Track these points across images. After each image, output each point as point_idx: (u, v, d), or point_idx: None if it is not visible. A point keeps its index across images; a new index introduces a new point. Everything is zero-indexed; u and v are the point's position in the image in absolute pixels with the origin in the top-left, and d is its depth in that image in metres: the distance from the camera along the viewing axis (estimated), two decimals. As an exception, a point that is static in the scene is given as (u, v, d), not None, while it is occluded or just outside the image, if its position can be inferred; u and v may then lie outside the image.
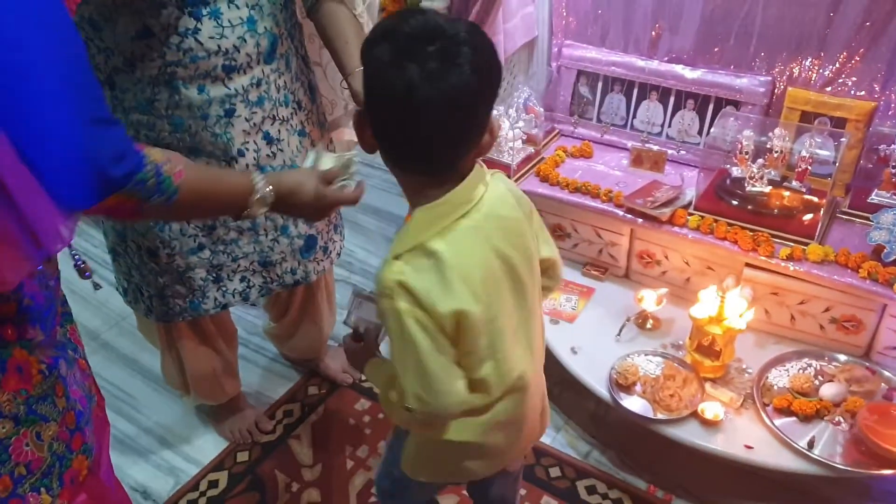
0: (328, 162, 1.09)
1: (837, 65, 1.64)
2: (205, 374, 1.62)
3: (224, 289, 1.40)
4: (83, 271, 0.90)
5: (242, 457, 1.70)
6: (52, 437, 0.81)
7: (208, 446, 1.74)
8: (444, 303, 0.82)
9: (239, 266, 1.40)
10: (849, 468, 1.32)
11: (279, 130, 1.32)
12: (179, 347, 1.56)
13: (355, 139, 0.97)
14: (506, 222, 0.89)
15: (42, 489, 0.81)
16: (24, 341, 0.79)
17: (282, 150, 1.34)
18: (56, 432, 0.82)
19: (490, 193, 0.87)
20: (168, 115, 1.20)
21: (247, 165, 1.29)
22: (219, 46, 1.16)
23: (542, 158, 1.91)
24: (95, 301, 2.16)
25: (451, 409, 0.90)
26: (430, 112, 0.77)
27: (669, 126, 1.89)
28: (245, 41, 1.19)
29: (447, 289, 0.82)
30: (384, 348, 1.00)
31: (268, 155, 1.31)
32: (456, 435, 0.96)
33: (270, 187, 0.97)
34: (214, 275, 1.38)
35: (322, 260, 1.54)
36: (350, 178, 1.08)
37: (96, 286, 0.95)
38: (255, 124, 1.27)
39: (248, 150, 1.28)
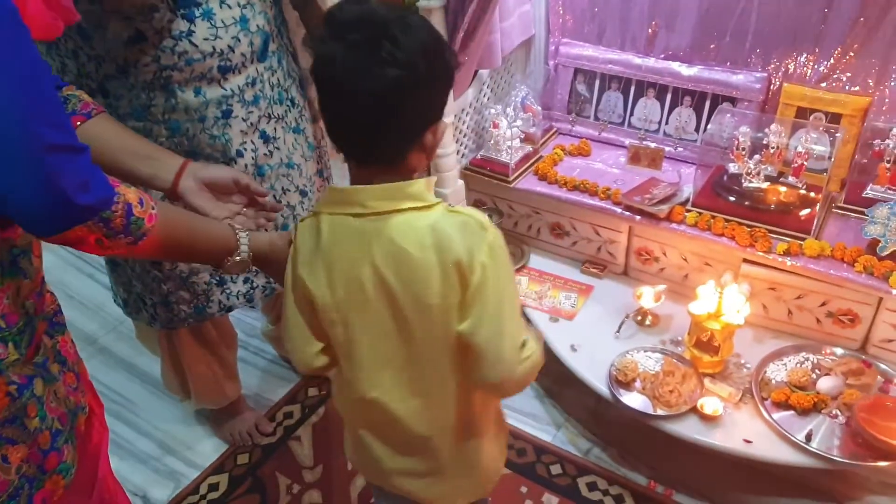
0: None
1: (832, 60, 1.69)
2: (206, 378, 1.66)
3: (228, 291, 1.44)
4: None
5: (243, 459, 1.74)
6: (21, 460, 0.80)
7: (208, 450, 1.78)
8: (300, 268, 0.90)
9: None
10: (845, 460, 1.37)
11: (275, 129, 1.36)
12: (181, 353, 1.60)
13: None
14: (398, 251, 0.84)
15: None
16: None
17: (278, 149, 1.38)
18: (26, 454, 0.80)
19: (402, 219, 0.84)
20: (165, 120, 1.22)
21: (245, 165, 1.33)
22: (213, 48, 1.19)
23: (541, 157, 1.96)
24: (93, 305, 2.20)
25: (297, 363, 0.99)
26: (340, 95, 0.81)
27: (667, 123, 1.94)
28: (239, 41, 1.22)
29: (310, 261, 0.89)
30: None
31: (265, 154, 1.35)
32: (335, 395, 1.05)
33: (249, 253, 0.98)
34: (218, 278, 1.42)
35: None
36: None
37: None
38: (251, 124, 1.31)
39: (246, 150, 1.32)
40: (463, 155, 1.94)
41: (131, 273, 1.42)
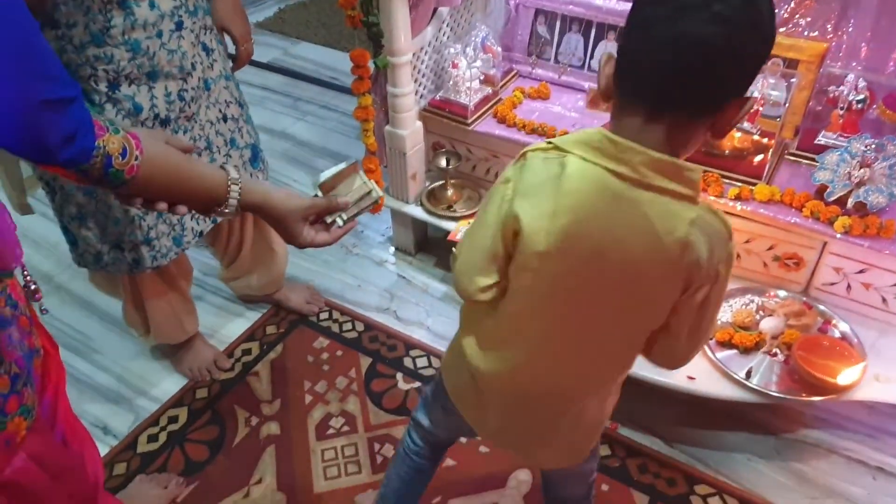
0: (348, 189, 1.01)
1: (793, 4, 1.63)
2: (166, 313, 1.62)
3: (197, 215, 1.42)
4: (34, 293, 0.88)
5: (202, 393, 1.71)
6: None
7: (167, 384, 1.74)
8: (517, 200, 0.78)
9: None
10: (782, 395, 1.38)
11: (211, 40, 1.36)
12: (142, 290, 1.56)
13: None
14: (647, 230, 0.75)
15: None
16: None
17: (216, 61, 1.37)
18: None
19: (666, 200, 0.74)
20: (125, 41, 1.18)
21: (198, 79, 1.32)
22: None
23: (500, 99, 1.89)
24: (47, 244, 2.12)
25: (459, 288, 0.88)
26: (662, 30, 0.70)
27: (627, 67, 1.88)
28: None
29: (537, 197, 0.77)
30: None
31: (208, 66, 1.35)
32: (463, 331, 0.96)
33: (237, 207, 0.92)
34: None
35: (264, 170, 1.60)
36: (347, 215, 1.00)
37: (42, 311, 0.94)
38: (196, 36, 1.30)
39: (196, 63, 1.31)
40: (421, 96, 1.86)
41: (105, 219, 1.37)
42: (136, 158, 0.81)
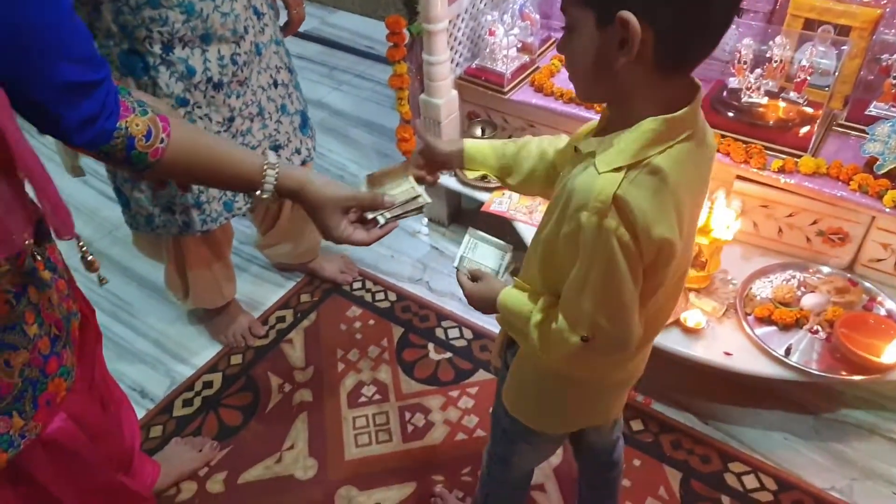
0: (396, 189, 0.95)
1: (846, -32, 1.54)
2: (206, 279, 1.63)
3: None
4: (91, 264, 0.87)
5: (236, 359, 1.72)
6: (23, 364, 0.80)
7: (202, 350, 1.75)
8: (656, 228, 0.72)
9: None
10: (822, 373, 1.33)
11: (261, 4, 1.34)
12: (186, 255, 1.56)
13: None
14: (713, 155, 0.81)
15: (14, 413, 0.81)
16: None
17: (267, 25, 1.35)
18: (28, 359, 0.81)
19: (704, 122, 0.78)
20: (180, 3, 1.18)
21: (250, 43, 1.31)
22: None
23: (538, 68, 1.83)
24: (87, 210, 2.14)
25: (629, 344, 0.78)
26: None
27: (668, 35, 1.80)
28: None
29: (663, 213, 0.73)
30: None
31: (259, 31, 1.33)
32: (599, 374, 0.91)
33: (274, 192, 0.89)
34: None
35: (313, 137, 1.59)
36: (390, 214, 0.94)
37: (102, 281, 0.91)
38: None
39: (248, 27, 1.29)
40: (457, 64, 1.81)
41: (157, 183, 1.37)
42: (162, 141, 0.79)
